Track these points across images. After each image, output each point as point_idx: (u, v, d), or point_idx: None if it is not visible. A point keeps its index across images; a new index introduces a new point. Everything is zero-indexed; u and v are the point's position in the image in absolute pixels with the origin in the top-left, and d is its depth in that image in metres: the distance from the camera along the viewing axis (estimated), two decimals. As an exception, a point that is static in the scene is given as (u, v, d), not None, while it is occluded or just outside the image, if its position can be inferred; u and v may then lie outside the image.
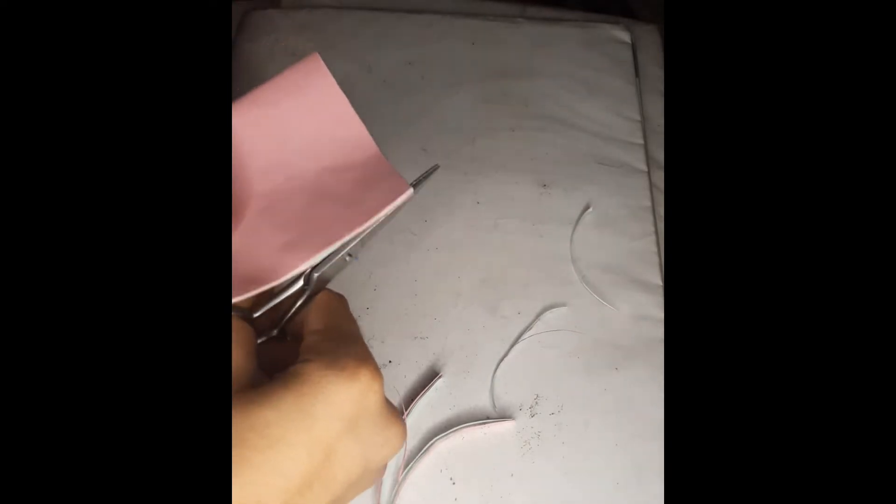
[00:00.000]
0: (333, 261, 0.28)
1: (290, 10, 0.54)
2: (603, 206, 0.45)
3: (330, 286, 0.32)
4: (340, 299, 0.29)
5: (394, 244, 0.43)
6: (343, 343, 0.25)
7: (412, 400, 0.37)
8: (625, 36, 0.55)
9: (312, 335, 0.26)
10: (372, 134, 0.37)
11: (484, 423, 0.36)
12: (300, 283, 0.27)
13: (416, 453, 0.35)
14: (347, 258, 0.36)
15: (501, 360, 0.39)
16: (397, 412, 0.26)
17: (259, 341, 0.27)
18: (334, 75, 0.48)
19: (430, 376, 0.38)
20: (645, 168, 0.47)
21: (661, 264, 0.43)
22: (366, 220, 0.34)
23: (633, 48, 0.54)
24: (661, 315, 0.41)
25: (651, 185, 0.47)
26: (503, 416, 0.37)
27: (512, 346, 0.39)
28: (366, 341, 0.38)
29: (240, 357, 0.25)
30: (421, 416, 0.37)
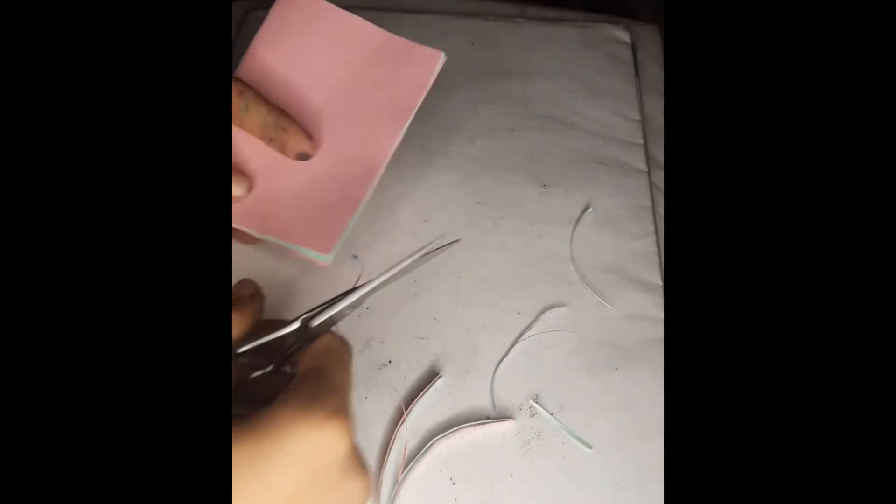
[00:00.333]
0: (335, 311, 0.28)
1: (290, 10, 0.54)
2: (603, 206, 0.45)
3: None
4: (342, 345, 0.28)
5: (394, 244, 0.43)
6: (324, 390, 0.24)
7: (412, 400, 0.37)
8: (625, 36, 0.55)
9: (300, 376, 0.26)
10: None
11: (484, 423, 0.36)
12: (296, 324, 0.27)
13: (417, 453, 0.35)
14: (353, 257, 0.37)
15: (501, 360, 0.39)
16: (365, 468, 0.25)
17: (253, 375, 0.27)
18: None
19: (430, 376, 0.38)
20: (645, 168, 0.47)
21: (661, 264, 0.43)
22: (419, 95, 0.39)
23: (633, 48, 0.54)
24: (661, 315, 0.41)
25: (651, 185, 0.47)
26: (503, 416, 0.37)
27: (512, 346, 0.39)
28: (366, 343, 0.38)
29: None
30: (421, 416, 0.37)
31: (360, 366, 0.38)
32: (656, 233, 0.44)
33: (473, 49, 0.53)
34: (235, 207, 0.36)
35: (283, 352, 0.27)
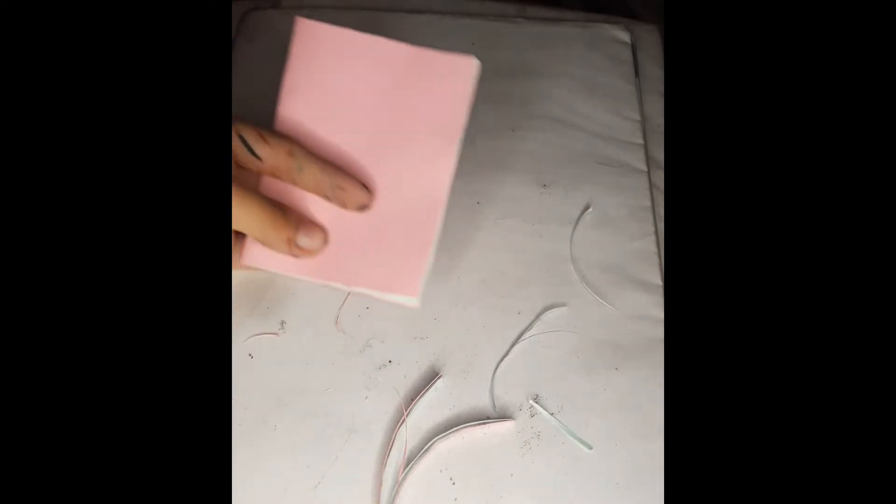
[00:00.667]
0: None
1: (290, 10, 0.54)
2: (603, 206, 0.45)
3: None
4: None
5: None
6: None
7: (412, 400, 0.37)
8: (625, 36, 0.55)
9: None
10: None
11: (484, 424, 0.36)
12: None
13: (417, 453, 0.35)
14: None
15: (501, 360, 0.39)
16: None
17: None
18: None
19: (431, 376, 0.38)
20: (645, 168, 0.47)
21: (661, 264, 0.43)
22: (462, 110, 0.36)
23: (633, 48, 0.55)
24: (661, 315, 0.41)
25: (651, 185, 0.47)
26: (503, 416, 0.37)
27: (512, 346, 0.39)
28: (366, 343, 0.39)
29: None
30: (421, 417, 0.37)
31: (360, 366, 0.38)
32: (656, 233, 0.44)
33: (473, 49, 0.53)
34: (317, 262, 0.36)
35: None
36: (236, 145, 0.33)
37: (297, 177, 0.34)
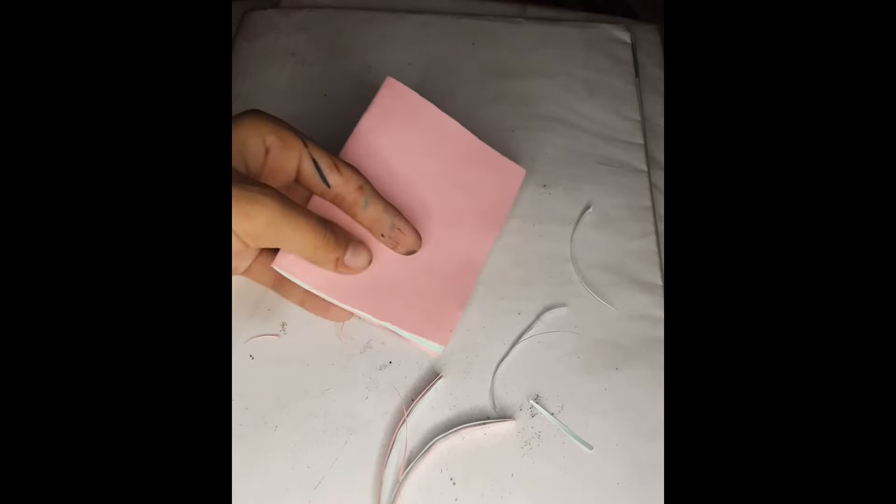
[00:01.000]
0: None
1: (290, 10, 0.54)
2: (603, 206, 0.45)
3: None
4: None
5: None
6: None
7: (413, 400, 0.37)
8: (625, 36, 0.55)
9: None
10: None
11: (484, 424, 0.36)
12: None
13: (417, 454, 0.35)
14: None
15: (501, 360, 0.39)
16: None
17: None
18: (335, 74, 0.48)
19: (431, 377, 0.38)
20: (645, 168, 0.47)
21: (661, 264, 0.43)
22: (506, 207, 0.42)
23: (634, 48, 0.55)
24: (661, 315, 0.41)
25: (651, 185, 0.47)
26: (503, 416, 0.37)
27: (512, 346, 0.39)
28: (366, 344, 0.39)
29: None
30: (421, 417, 0.37)
31: (360, 366, 0.38)
32: (656, 233, 0.44)
33: (473, 49, 0.53)
34: (350, 288, 0.36)
35: None
36: (308, 168, 0.34)
37: (360, 211, 0.35)
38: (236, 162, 0.32)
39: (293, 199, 0.32)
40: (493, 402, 0.38)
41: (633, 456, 0.36)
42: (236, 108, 0.48)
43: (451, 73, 0.51)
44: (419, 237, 0.37)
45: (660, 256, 0.44)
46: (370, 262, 0.36)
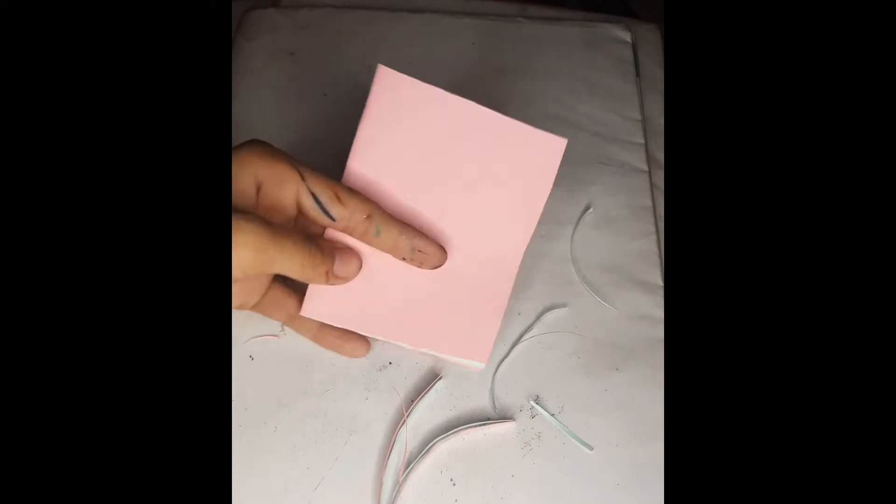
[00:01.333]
0: None
1: (290, 10, 0.54)
2: (603, 206, 0.45)
3: None
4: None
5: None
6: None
7: (413, 401, 0.37)
8: (626, 35, 0.54)
9: None
10: None
11: (484, 425, 0.36)
12: None
13: (417, 454, 0.35)
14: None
15: (502, 361, 0.39)
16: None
17: None
18: (335, 73, 0.47)
19: (431, 378, 0.38)
20: (646, 168, 0.47)
21: (661, 264, 0.43)
22: (545, 189, 0.36)
23: (634, 48, 0.54)
24: (661, 315, 0.41)
25: (651, 185, 0.47)
26: (503, 416, 0.37)
27: (512, 346, 0.39)
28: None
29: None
30: (421, 418, 0.37)
31: (360, 367, 0.38)
32: (657, 232, 0.44)
33: (473, 49, 0.53)
34: (384, 319, 0.35)
35: None
36: (309, 203, 0.32)
37: (373, 239, 0.33)
38: None
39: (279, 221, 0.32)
40: (494, 403, 0.37)
41: (634, 457, 0.36)
42: (236, 106, 0.48)
43: (451, 73, 0.51)
44: (443, 252, 0.34)
45: (660, 257, 0.43)
46: (360, 266, 0.35)
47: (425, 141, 0.35)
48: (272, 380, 0.38)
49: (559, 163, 0.35)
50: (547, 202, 0.45)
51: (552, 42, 0.54)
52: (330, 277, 0.33)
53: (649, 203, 0.46)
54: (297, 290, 0.36)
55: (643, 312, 0.41)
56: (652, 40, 0.56)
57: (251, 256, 0.29)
